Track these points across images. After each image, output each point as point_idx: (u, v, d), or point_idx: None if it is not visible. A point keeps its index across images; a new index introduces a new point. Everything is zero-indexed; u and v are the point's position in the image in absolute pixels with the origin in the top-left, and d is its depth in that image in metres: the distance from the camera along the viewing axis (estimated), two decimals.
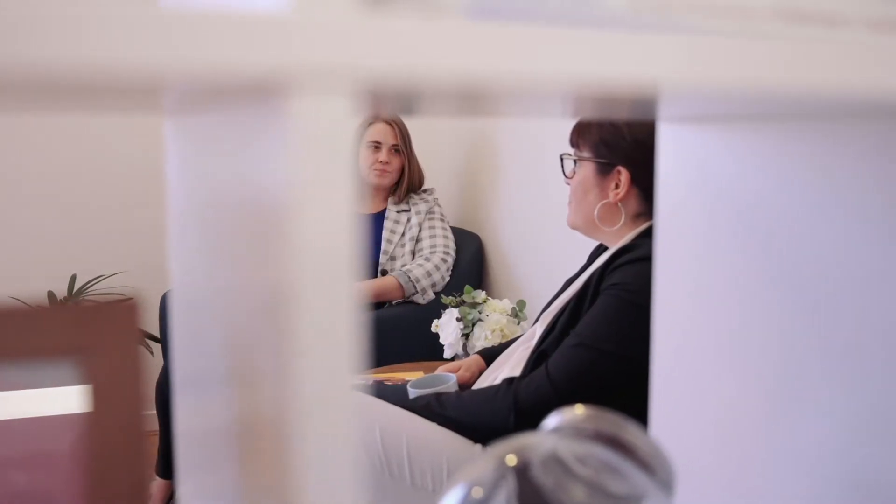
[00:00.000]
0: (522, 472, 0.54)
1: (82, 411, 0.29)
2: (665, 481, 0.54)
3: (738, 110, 0.58)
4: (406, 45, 0.21)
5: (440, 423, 1.45)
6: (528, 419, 1.33)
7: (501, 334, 2.05)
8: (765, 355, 0.65)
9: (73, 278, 2.97)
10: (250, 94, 0.22)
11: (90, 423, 0.29)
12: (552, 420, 0.57)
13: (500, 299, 2.18)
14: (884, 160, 0.56)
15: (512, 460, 0.54)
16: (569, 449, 0.54)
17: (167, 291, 2.88)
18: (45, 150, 3.08)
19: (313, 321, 0.22)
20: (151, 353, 2.87)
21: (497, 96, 0.27)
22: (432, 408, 1.47)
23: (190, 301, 0.40)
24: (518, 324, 2.11)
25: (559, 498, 0.52)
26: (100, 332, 0.30)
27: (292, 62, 0.20)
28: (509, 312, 2.11)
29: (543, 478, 0.53)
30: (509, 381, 1.42)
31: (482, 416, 1.42)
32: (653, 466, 0.54)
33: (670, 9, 0.29)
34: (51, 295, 2.87)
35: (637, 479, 0.53)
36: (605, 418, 0.56)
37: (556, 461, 0.54)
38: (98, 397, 0.29)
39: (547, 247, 2.44)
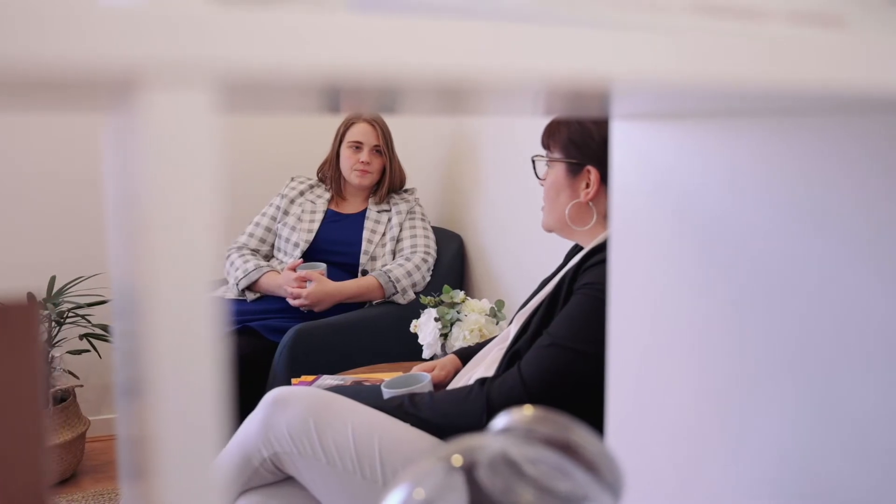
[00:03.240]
0: (469, 472, 0.53)
1: None
2: (612, 483, 0.53)
3: (687, 106, 0.58)
4: (269, 37, 0.20)
5: (413, 424, 1.45)
6: None
7: (480, 334, 2.04)
8: (719, 356, 0.65)
9: (53, 279, 2.95)
10: (106, 91, 0.21)
11: None
12: (500, 421, 0.57)
13: (481, 299, 2.17)
14: (835, 157, 0.55)
15: (458, 461, 0.54)
16: (516, 450, 0.54)
17: None
18: (27, 150, 3.06)
19: (167, 333, 0.21)
20: None
21: (372, 92, 0.27)
22: (405, 408, 1.46)
23: (115, 305, 0.39)
24: (496, 324, 2.11)
25: (507, 498, 0.51)
26: None
27: (143, 56, 0.19)
28: (488, 312, 2.10)
29: (490, 479, 0.52)
30: (482, 382, 1.41)
31: (455, 417, 1.41)
32: (599, 468, 0.53)
33: (573, 2, 0.28)
34: (30, 296, 2.84)
35: (583, 480, 0.53)
36: (553, 420, 0.55)
37: (503, 462, 0.53)
38: None
39: (529, 247, 2.43)
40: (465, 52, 0.25)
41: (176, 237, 0.20)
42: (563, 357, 1.35)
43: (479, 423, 1.37)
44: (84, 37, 0.19)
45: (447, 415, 1.42)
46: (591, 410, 1.08)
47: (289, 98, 0.28)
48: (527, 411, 0.56)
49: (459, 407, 1.41)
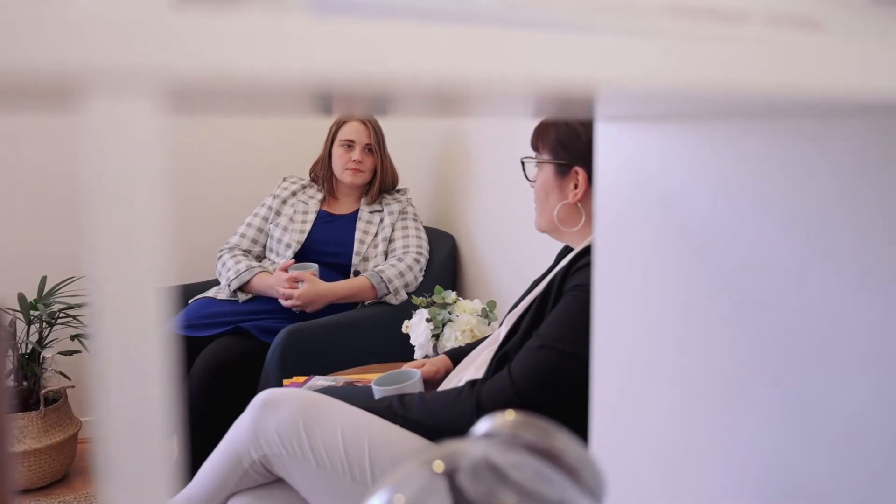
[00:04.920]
0: (451, 477, 0.52)
1: None
2: (593, 489, 0.53)
3: (671, 109, 0.57)
4: (217, 43, 0.20)
5: (403, 426, 1.44)
6: None
7: (471, 335, 2.04)
8: (704, 359, 0.64)
9: (44, 280, 2.93)
10: (51, 97, 0.21)
11: None
12: (482, 426, 0.57)
13: (473, 299, 2.17)
14: (821, 160, 0.55)
15: (440, 466, 0.53)
16: (498, 455, 0.53)
17: None
18: (16, 151, 3.05)
19: (113, 336, 0.20)
20: None
21: (322, 97, 0.26)
22: (395, 409, 1.46)
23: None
24: (488, 324, 2.11)
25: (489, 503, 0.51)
26: None
27: (86, 63, 0.18)
28: (479, 313, 2.10)
29: (472, 484, 0.52)
30: (472, 384, 1.41)
31: (445, 419, 1.41)
32: (580, 473, 0.53)
33: (547, 5, 0.27)
34: (21, 297, 2.84)
35: (564, 485, 0.52)
36: (535, 425, 0.55)
37: (486, 467, 0.53)
38: None
39: (521, 247, 2.43)
40: (421, 57, 0.24)
41: (120, 244, 0.20)
42: (552, 359, 1.34)
43: (469, 425, 1.36)
44: (25, 42, 0.18)
45: (437, 416, 1.41)
46: (581, 412, 1.07)
47: (242, 103, 0.27)
48: (508, 416, 0.55)
49: (450, 409, 1.40)
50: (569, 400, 1.27)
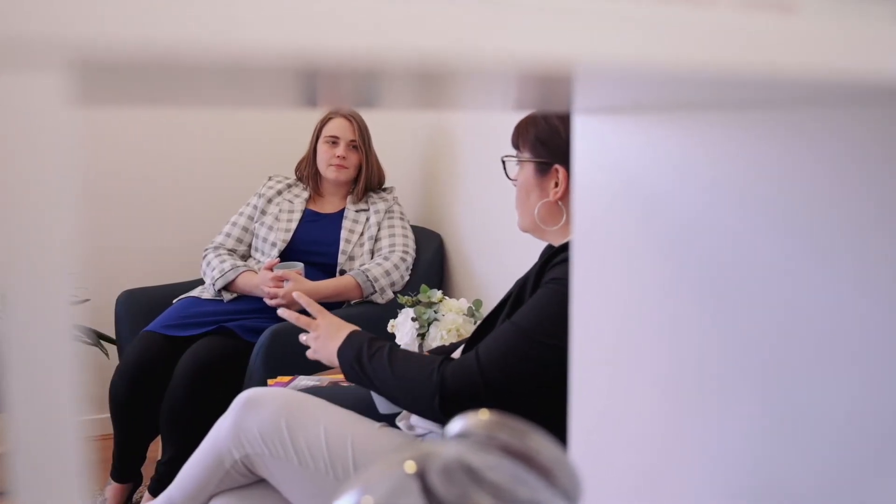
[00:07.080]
0: (424, 479, 0.51)
1: None
2: (568, 490, 0.52)
3: (650, 98, 0.56)
4: (132, 13, 0.18)
5: (361, 378, 1.38)
6: (454, 403, 1.27)
7: (457, 334, 2.03)
8: (687, 359, 0.63)
9: None
10: None
11: None
12: (455, 426, 0.55)
13: (460, 298, 2.16)
14: (811, 156, 0.54)
15: (411, 467, 0.52)
16: (472, 456, 0.52)
17: (122, 292, 2.84)
18: None
19: (16, 342, 0.19)
20: (107, 354, 2.82)
21: (254, 76, 0.24)
22: (362, 357, 1.38)
23: None
24: (474, 323, 2.09)
25: None
26: None
27: None
28: (465, 312, 2.09)
29: (445, 486, 0.51)
30: (441, 361, 1.35)
31: (407, 384, 1.32)
32: (555, 475, 0.52)
33: None
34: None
35: (538, 487, 0.51)
36: (509, 425, 0.54)
37: (459, 469, 0.51)
38: None
39: (508, 246, 2.42)
40: (392, 32, 0.23)
41: (21, 240, 0.19)
42: (521, 345, 1.29)
43: (430, 404, 1.29)
44: None
45: (401, 378, 1.33)
46: (549, 403, 1.05)
47: (172, 85, 0.26)
48: (483, 416, 0.54)
49: (415, 377, 1.31)
50: (534, 388, 1.23)
